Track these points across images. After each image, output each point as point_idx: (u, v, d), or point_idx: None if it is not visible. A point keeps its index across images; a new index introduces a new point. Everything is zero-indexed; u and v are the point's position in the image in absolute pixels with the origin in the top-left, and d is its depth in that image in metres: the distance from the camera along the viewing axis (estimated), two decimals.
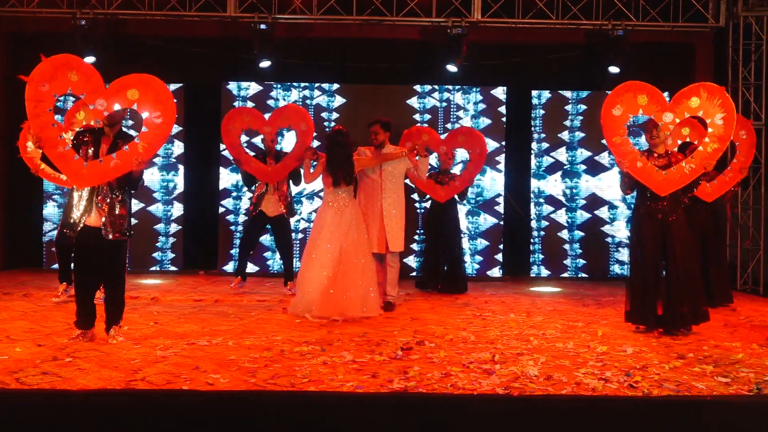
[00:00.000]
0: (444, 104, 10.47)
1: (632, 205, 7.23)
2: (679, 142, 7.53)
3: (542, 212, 10.54)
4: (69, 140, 5.60)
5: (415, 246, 10.37)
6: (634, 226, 6.53)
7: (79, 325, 5.73)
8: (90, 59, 9.34)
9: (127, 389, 4.42)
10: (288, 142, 9.86)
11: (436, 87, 10.46)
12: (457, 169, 9.41)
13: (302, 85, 10.41)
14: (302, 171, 7.45)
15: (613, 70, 9.77)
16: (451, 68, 9.90)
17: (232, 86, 10.38)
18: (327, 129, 10.30)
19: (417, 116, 10.41)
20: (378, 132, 7.46)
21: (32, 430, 4.09)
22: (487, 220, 10.46)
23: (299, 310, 6.98)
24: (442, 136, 9.50)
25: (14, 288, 8.55)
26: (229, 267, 10.21)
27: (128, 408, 4.22)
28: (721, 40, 10.25)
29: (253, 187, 8.50)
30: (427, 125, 10.20)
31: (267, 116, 8.83)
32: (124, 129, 5.77)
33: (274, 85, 10.40)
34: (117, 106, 5.52)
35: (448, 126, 10.30)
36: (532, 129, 10.55)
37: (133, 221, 6.05)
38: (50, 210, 10.33)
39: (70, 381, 4.56)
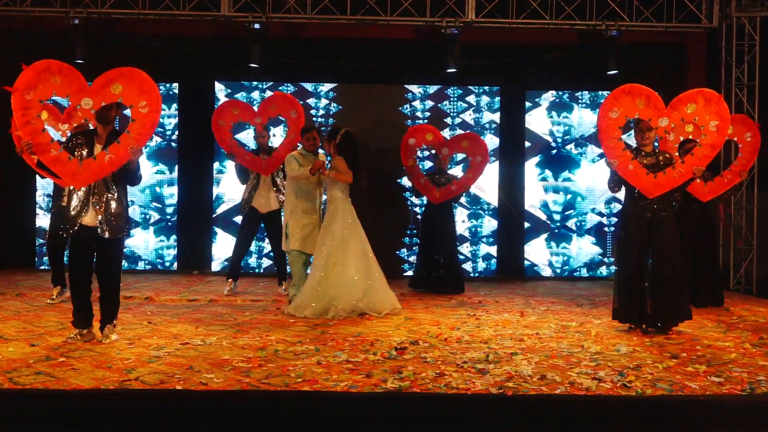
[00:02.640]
0: (437, 104, 10.46)
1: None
2: (681, 138, 7.49)
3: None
4: (63, 134, 5.60)
5: (406, 252, 10.38)
6: (622, 223, 6.55)
7: (77, 324, 5.72)
8: (82, 59, 9.35)
9: (121, 389, 4.41)
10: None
11: (430, 87, 10.46)
12: (453, 171, 9.37)
13: (295, 84, 10.39)
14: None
15: (611, 71, 9.77)
16: (450, 69, 9.89)
17: (226, 85, 10.36)
18: (324, 129, 10.31)
19: (410, 116, 10.41)
20: (317, 138, 7.58)
21: (25, 430, 4.08)
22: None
23: (347, 309, 7.05)
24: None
25: (7, 288, 8.53)
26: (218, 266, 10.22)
27: (122, 408, 4.21)
28: (715, 41, 10.28)
29: (245, 185, 8.49)
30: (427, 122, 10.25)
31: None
32: (116, 128, 5.75)
33: (268, 85, 10.38)
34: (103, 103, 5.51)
35: (441, 126, 10.28)
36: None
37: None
38: (43, 204, 10.29)
39: (64, 381, 4.55)
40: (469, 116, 10.45)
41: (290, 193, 7.54)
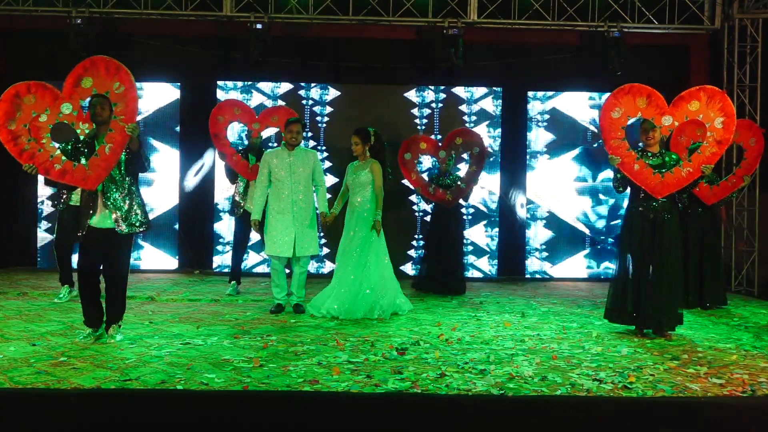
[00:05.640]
0: (439, 105, 10.46)
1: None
2: (692, 141, 7.50)
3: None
4: (81, 132, 5.62)
5: (412, 252, 10.36)
6: (626, 224, 6.49)
7: (89, 323, 5.74)
8: (85, 58, 9.35)
9: (121, 389, 4.41)
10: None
11: (432, 87, 10.45)
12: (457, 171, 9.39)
13: (297, 83, 10.39)
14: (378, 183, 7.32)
15: (613, 72, 9.77)
16: (452, 70, 9.89)
17: (228, 85, 10.36)
18: (321, 128, 10.32)
19: (412, 117, 10.40)
20: (300, 132, 7.34)
21: (26, 429, 4.08)
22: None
23: (386, 308, 7.18)
24: (438, 137, 9.52)
25: (9, 287, 8.54)
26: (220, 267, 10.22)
27: (122, 408, 4.21)
28: (717, 42, 10.29)
29: (234, 185, 8.47)
30: (423, 127, 10.26)
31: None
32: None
33: (269, 85, 10.38)
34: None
35: (444, 126, 10.27)
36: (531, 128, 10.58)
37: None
38: (45, 208, 10.29)
39: (64, 381, 4.55)
40: (470, 116, 10.42)
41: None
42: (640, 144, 6.47)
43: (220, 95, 10.26)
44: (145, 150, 5.76)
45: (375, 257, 7.21)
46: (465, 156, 9.23)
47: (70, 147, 5.64)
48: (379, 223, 7.20)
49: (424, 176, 9.36)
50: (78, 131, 6.21)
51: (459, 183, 8.93)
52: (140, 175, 6.00)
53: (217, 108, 8.68)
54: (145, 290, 8.51)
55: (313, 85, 10.37)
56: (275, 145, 9.29)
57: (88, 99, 5.56)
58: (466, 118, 10.40)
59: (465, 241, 9.79)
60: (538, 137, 10.52)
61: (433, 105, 10.44)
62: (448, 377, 4.77)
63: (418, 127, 10.33)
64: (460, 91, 10.45)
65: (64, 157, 5.54)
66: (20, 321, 6.54)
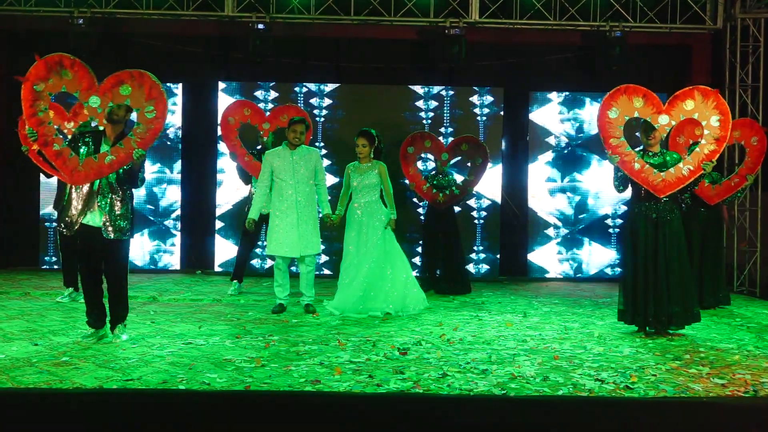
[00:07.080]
0: (441, 105, 10.44)
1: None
2: (691, 141, 7.51)
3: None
4: (69, 132, 5.61)
5: (417, 260, 10.35)
6: (629, 224, 6.50)
7: (91, 324, 5.74)
8: (86, 59, 9.36)
9: (123, 389, 4.41)
10: None
11: (433, 87, 10.44)
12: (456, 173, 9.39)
13: (299, 84, 10.39)
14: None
15: (615, 73, 9.78)
16: (454, 70, 9.90)
17: (229, 85, 10.35)
18: (327, 128, 10.32)
19: (413, 116, 10.38)
20: (304, 132, 7.31)
21: (27, 429, 4.08)
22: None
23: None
24: (448, 130, 9.51)
25: (12, 287, 8.55)
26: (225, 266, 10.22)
27: (124, 408, 4.21)
28: (719, 42, 10.28)
29: (249, 186, 8.47)
30: (427, 128, 10.22)
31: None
32: (124, 131, 5.73)
33: (271, 85, 10.38)
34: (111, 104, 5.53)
35: (445, 127, 10.26)
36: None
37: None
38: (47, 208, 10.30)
39: (67, 380, 4.55)
40: (472, 116, 10.40)
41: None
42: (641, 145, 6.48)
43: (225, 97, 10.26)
44: (143, 171, 5.74)
45: (398, 251, 7.46)
46: (468, 164, 9.23)
47: (75, 139, 5.63)
48: (394, 221, 7.43)
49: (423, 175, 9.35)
50: (65, 131, 6.22)
51: (454, 189, 8.90)
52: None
53: (228, 109, 8.72)
54: (147, 290, 8.52)
55: (314, 85, 10.37)
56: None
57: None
58: (477, 111, 10.38)
59: (476, 248, 9.85)
60: None
61: (434, 105, 10.39)
62: (450, 377, 4.77)
63: (423, 122, 10.31)
64: (460, 90, 10.41)
65: (65, 142, 5.54)
66: (23, 321, 6.55)
